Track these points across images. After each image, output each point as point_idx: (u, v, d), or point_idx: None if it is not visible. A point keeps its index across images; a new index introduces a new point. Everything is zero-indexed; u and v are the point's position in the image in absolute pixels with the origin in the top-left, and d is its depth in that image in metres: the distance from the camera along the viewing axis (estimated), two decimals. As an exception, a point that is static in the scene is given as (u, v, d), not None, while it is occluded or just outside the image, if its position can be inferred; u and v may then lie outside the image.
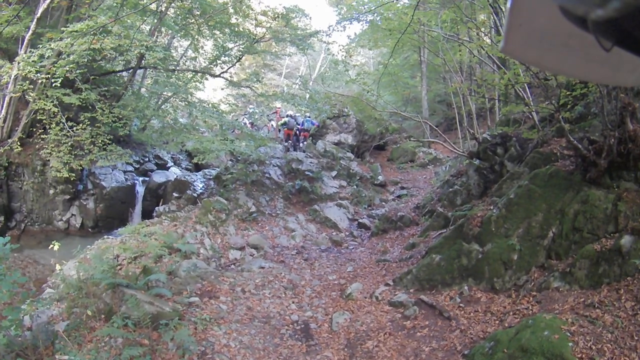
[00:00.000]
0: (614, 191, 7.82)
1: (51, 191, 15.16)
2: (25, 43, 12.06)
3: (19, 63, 11.12)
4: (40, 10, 10.01)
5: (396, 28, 13.33)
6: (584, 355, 5.65)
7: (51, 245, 9.46)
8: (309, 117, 20.77)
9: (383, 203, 17.76)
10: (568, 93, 9.13)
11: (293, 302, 9.98)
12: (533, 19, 0.71)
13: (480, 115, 17.60)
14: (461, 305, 8.41)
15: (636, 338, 5.75)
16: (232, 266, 12.16)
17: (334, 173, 18.60)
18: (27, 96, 12.78)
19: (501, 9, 11.82)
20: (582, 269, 7.26)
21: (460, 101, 14.47)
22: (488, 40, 13.71)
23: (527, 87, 10.71)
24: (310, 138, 22.73)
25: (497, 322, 7.51)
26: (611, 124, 7.75)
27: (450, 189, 13.42)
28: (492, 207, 9.60)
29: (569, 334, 5.92)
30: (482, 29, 14.83)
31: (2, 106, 13.04)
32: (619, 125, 7.53)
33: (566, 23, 0.64)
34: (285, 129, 20.26)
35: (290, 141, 20.30)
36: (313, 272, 11.81)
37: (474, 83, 16.96)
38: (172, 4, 13.92)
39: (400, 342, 7.91)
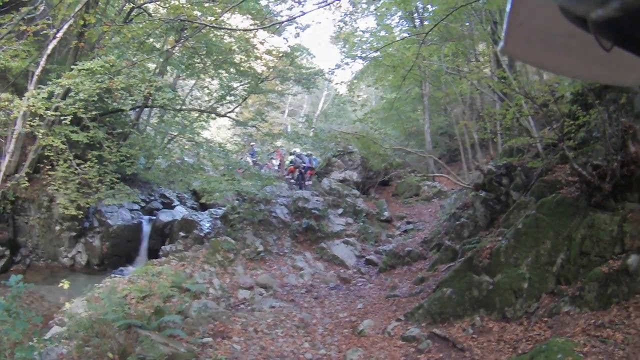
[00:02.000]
0: (619, 213, 7.90)
1: (57, 227, 15.10)
2: (34, 79, 12.25)
3: (28, 99, 11.29)
4: (51, 47, 10.24)
5: (398, 64, 13.58)
6: (597, 375, 5.65)
7: (60, 284, 9.46)
8: (310, 154, 20.98)
9: (390, 239, 17.73)
10: (571, 122, 9.30)
11: (306, 341, 9.90)
12: (533, 19, 0.72)
13: (483, 145, 17.73)
14: (474, 336, 8.38)
15: (647, 352, 5.77)
16: (242, 306, 12.11)
17: (340, 210, 18.63)
18: (35, 132, 12.90)
19: (500, 38, 12.11)
20: (591, 291, 7.29)
21: (464, 133, 14.63)
22: (488, 71, 13.95)
23: (530, 118, 10.88)
24: (316, 176, 22.89)
25: (510, 350, 7.48)
26: (613, 148, 7.88)
27: (457, 222, 13.47)
28: (500, 238, 9.64)
29: (582, 355, 5.94)
30: (482, 59, 15.12)
31: (11, 141, 13.16)
32: (621, 148, 7.67)
33: (566, 23, 0.65)
34: (291, 166, 20.45)
35: (293, 178, 20.47)
36: (324, 310, 11.75)
37: (475, 114, 17.18)
38: (180, 45, 14.25)
39: (415, 376, 7.87)
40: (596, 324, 6.65)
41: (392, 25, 22.88)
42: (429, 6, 16.19)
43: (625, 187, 7.90)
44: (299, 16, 10.26)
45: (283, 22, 14.90)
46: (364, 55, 17.28)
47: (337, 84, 23.67)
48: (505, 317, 8.43)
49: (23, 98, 11.49)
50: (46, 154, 13.97)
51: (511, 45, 0.78)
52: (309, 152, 21.25)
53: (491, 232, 11.52)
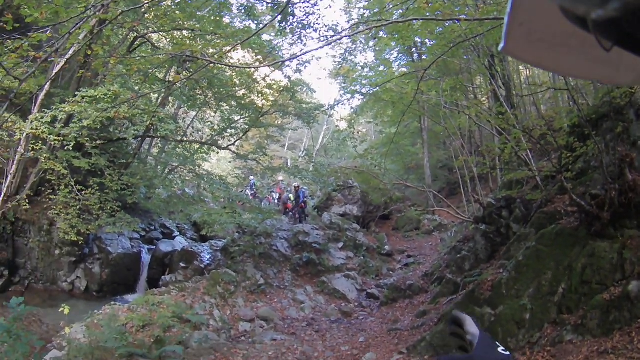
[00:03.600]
0: (618, 240, 7.96)
1: (57, 251, 15.10)
2: (38, 103, 12.41)
3: (31, 122, 11.43)
4: (55, 72, 10.41)
5: (397, 100, 13.78)
6: (602, 401, 5.64)
7: (61, 309, 9.44)
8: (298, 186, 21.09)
9: (391, 272, 17.71)
10: (569, 154, 9.44)
11: (308, 375, 9.85)
12: (533, 19, 0.72)
13: (482, 178, 17.84)
14: (477, 367, 8.32)
15: (651, 376, 5.77)
16: (243, 338, 12.06)
17: (340, 244, 18.65)
18: (37, 155, 13.00)
19: (497, 72, 12.33)
20: (593, 319, 7.31)
21: (463, 167, 14.77)
22: (486, 103, 14.13)
23: (528, 151, 11.03)
24: (316, 210, 22.95)
25: (514, 380, 7.44)
26: (611, 177, 8.00)
27: (458, 255, 13.49)
28: (501, 270, 9.68)
29: (586, 384, 5.93)
30: (480, 93, 15.35)
31: (13, 162, 13.25)
32: (618, 176, 7.78)
33: (566, 23, 0.65)
34: (288, 202, 20.62)
35: (291, 213, 20.57)
36: (325, 344, 11.67)
37: (474, 147, 17.35)
38: (186, 80, 14.52)
39: (420, 408, 7.80)
40: (599, 351, 6.64)
41: (391, 60, 23.34)
42: (427, 41, 16.51)
43: (624, 214, 7.99)
44: (301, 55, 10.47)
45: (285, 61, 15.24)
46: (363, 90, 17.57)
47: (338, 120, 23.98)
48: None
49: (27, 120, 11.65)
50: (48, 177, 14.04)
51: (511, 45, 0.76)
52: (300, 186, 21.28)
53: (492, 264, 11.54)
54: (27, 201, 13.87)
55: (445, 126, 14.51)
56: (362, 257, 18.17)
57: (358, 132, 17.51)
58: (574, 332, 7.43)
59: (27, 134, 11.91)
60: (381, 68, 19.53)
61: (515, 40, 0.74)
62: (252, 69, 16.65)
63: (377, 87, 14.92)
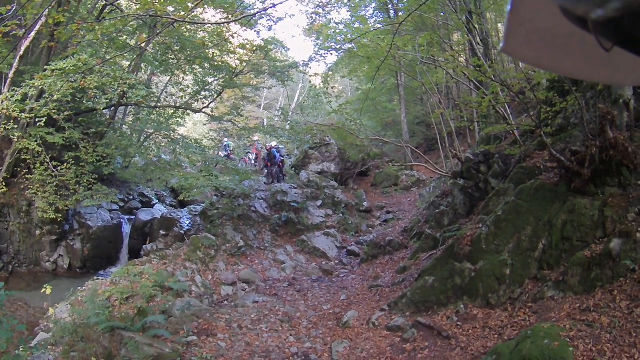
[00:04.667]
0: (599, 198, 8.01)
1: (37, 232, 14.89)
2: (8, 82, 11.99)
3: (2, 102, 11.02)
4: (23, 48, 9.99)
5: (373, 55, 13.55)
6: (585, 358, 5.73)
7: (43, 289, 9.28)
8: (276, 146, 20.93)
9: (370, 229, 17.81)
10: (548, 109, 9.38)
11: (291, 335, 9.90)
12: (533, 19, 0.72)
13: (460, 133, 17.84)
14: (459, 323, 8.44)
15: (634, 335, 5.86)
16: (226, 302, 12.06)
17: (319, 202, 18.64)
18: (11, 135, 12.64)
19: (475, 28, 12.13)
20: (574, 276, 7.38)
21: (440, 122, 14.69)
22: (463, 60, 13.99)
23: (507, 106, 10.97)
24: (294, 169, 22.85)
25: (496, 336, 7.55)
26: (592, 133, 7.98)
27: (437, 210, 13.54)
28: (480, 226, 9.71)
29: (568, 340, 6.01)
30: (457, 49, 15.16)
31: None
32: (599, 134, 7.76)
33: (566, 23, 0.65)
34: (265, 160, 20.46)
35: (267, 171, 20.45)
36: (307, 303, 11.74)
37: (452, 103, 17.28)
38: (152, 41, 14.03)
39: (403, 366, 7.90)
40: (581, 308, 6.73)
41: (367, 17, 22.90)
42: (403, -4, 16.18)
43: (604, 172, 8.01)
44: (271, 7, 10.14)
45: (255, 15, 14.78)
46: (338, 47, 17.23)
47: (312, 75, 23.62)
48: (489, 304, 8.50)
49: (-3, 101, 11.23)
50: (23, 157, 13.76)
51: (511, 45, 0.78)
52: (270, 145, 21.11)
53: (471, 219, 11.61)
54: (4, 184, 13.60)
55: (422, 81, 14.33)
56: (341, 215, 18.22)
57: (334, 89, 17.25)
58: (555, 289, 7.52)
59: (-2, 115, 11.52)
60: (357, 25, 19.12)
61: (515, 40, 0.76)
62: (222, 25, 16.22)
63: (352, 43, 14.64)
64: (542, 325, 6.48)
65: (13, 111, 11.01)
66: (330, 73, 20.84)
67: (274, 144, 20.68)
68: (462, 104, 14.06)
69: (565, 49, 0.75)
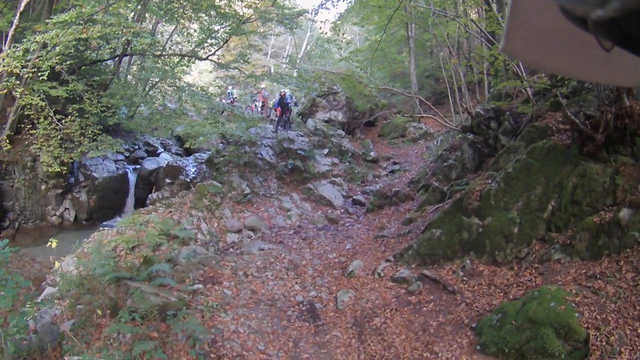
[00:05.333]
0: (612, 165, 7.94)
1: (43, 186, 14.93)
2: (9, 39, 11.78)
3: (3, 59, 10.83)
4: (23, 4, 9.74)
5: (384, 4, 13.21)
6: (590, 325, 5.82)
7: (49, 243, 9.28)
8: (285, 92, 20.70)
9: (376, 179, 17.82)
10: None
11: (296, 283, 10.04)
12: (533, 19, 0.72)
13: (469, 89, 17.57)
14: (464, 278, 8.54)
15: (638, 308, 5.93)
16: (231, 250, 12.16)
17: (325, 151, 18.59)
18: (13, 92, 12.50)
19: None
20: (582, 241, 7.41)
21: (452, 75, 14.42)
22: (475, 15, 13.61)
23: (520, 63, 10.74)
24: (301, 116, 22.68)
25: (501, 294, 7.65)
26: (607, 100, 7.84)
27: (445, 163, 13.49)
28: (490, 181, 9.69)
29: (574, 305, 6.09)
30: (470, 2, 14.76)
31: None
32: (615, 100, 7.63)
33: (566, 23, 0.65)
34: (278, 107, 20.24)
35: (276, 119, 20.29)
36: (312, 252, 11.85)
37: (461, 58, 16.93)
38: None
39: (407, 318, 8.04)
40: (587, 275, 6.78)
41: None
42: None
43: (618, 139, 7.91)
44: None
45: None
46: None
47: (321, 21, 23.09)
48: (495, 261, 8.58)
49: (-2, 59, 11.04)
50: (26, 113, 13.65)
51: (511, 45, 0.77)
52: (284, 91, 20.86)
53: (479, 174, 11.58)
54: (8, 141, 13.56)
55: (433, 33, 13.99)
56: (347, 164, 18.20)
57: (343, 36, 16.85)
58: (562, 252, 7.56)
59: (0, 72, 11.31)
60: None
61: (515, 40, 0.76)
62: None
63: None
64: (548, 287, 6.56)
65: (14, 67, 10.83)
66: (339, 22, 20.30)
67: (287, 90, 20.45)
68: (477, 57, 13.74)
69: (565, 49, 0.75)
